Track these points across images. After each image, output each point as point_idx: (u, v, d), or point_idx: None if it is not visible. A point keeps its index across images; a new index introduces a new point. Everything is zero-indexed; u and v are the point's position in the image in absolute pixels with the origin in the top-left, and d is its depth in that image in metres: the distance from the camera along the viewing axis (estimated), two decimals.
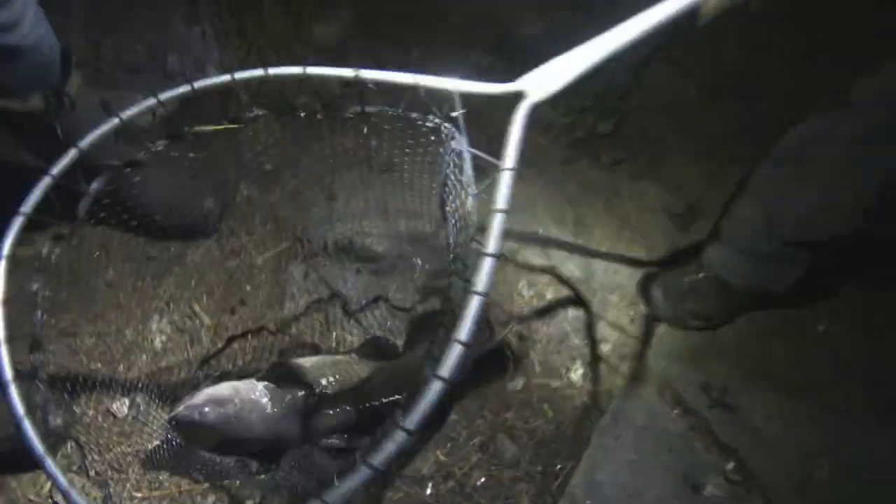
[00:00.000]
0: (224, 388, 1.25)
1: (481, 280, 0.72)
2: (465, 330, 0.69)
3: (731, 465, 1.39)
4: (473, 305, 0.70)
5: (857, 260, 1.53)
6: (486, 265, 0.72)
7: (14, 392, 0.63)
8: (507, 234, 1.69)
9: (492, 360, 1.52)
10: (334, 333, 1.55)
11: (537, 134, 1.91)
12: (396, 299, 1.58)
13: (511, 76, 2.09)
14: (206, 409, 1.19)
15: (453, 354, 0.69)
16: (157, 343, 1.51)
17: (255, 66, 1.69)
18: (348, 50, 2.03)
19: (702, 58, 1.96)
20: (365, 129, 0.92)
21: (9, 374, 0.64)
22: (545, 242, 1.74)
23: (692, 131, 1.91)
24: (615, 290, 1.66)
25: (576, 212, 1.79)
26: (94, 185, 0.84)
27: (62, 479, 0.69)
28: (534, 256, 1.70)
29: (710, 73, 1.96)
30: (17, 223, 0.73)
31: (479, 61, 2.03)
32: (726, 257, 1.52)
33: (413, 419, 0.68)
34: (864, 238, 1.34)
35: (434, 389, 0.68)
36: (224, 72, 1.82)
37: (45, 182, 0.75)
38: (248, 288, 1.62)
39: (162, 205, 1.46)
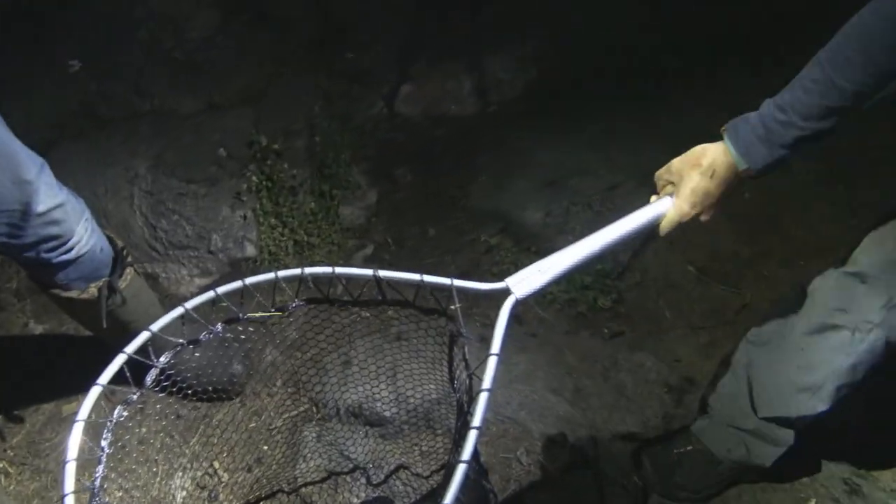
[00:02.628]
0: None
1: (467, 450, 0.84)
2: (450, 496, 0.80)
3: None
4: (459, 473, 0.82)
5: (842, 431, 1.59)
6: (472, 436, 0.85)
7: None
8: (507, 402, 1.78)
9: None
10: (342, 496, 1.62)
11: (542, 307, 2.05)
12: (416, 468, 1.62)
13: (514, 254, 2.29)
14: None
15: None
16: (178, 499, 1.60)
17: (289, 249, 1.90)
18: (372, 228, 2.24)
19: (697, 243, 2.16)
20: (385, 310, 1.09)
21: None
22: (544, 410, 1.81)
23: (688, 307, 2.04)
24: (610, 459, 1.71)
25: (575, 381, 1.88)
26: (162, 360, 0.99)
27: None
28: (532, 423, 1.78)
29: (704, 256, 2.14)
30: (94, 393, 0.86)
31: (487, 240, 2.23)
32: (713, 431, 1.57)
33: None
34: (848, 411, 1.38)
35: None
36: (260, 250, 2.05)
37: (120, 358, 0.91)
38: (266, 448, 1.71)
39: (194, 369, 1.60)
